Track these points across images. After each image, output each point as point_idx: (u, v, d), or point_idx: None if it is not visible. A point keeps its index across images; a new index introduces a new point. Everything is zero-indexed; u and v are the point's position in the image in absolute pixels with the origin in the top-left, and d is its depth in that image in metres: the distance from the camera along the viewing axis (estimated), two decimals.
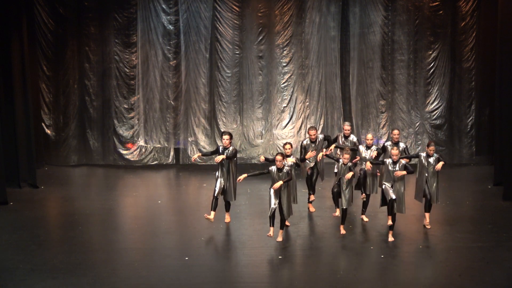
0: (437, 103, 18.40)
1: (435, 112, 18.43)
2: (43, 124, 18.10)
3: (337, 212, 12.50)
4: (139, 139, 18.27)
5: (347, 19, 18.13)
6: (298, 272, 10.60)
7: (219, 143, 18.39)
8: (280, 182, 11.32)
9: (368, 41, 18.13)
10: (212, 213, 12.28)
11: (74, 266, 10.61)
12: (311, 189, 13.29)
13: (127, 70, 18.28)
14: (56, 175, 17.32)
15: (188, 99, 18.23)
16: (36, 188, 15.76)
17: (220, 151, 12.46)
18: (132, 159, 18.48)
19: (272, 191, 11.51)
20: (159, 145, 18.40)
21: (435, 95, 18.39)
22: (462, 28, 18.12)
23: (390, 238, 11.62)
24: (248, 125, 18.51)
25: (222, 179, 12.41)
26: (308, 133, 13.13)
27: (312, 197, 13.32)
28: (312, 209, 13.35)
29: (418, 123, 18.46)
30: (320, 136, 13.17)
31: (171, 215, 13.78)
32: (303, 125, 18.45)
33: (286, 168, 11.49)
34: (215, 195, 12.35)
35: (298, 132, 18.46)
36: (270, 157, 13.50)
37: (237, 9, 18.08)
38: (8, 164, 15.11)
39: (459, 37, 18.20)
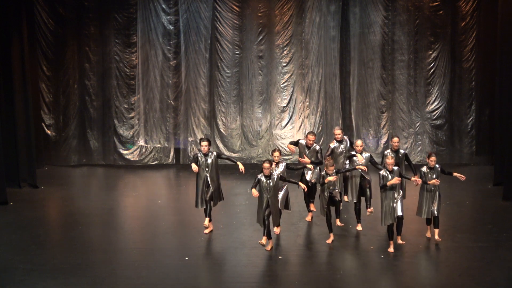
0: (438, 103, 18.40)
1: (436, 112, 18.43)
2: (43, 124, 18.11)
3: (331, 238, 11.69)
4: (140, 139, 18.27)
5: (347, 19, 18.13)
6: (298, 272, 10.60)
7: (218, 143, 18.43)
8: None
9: (368, 41, 18.13)
10: (207, 219, 12.05)
11: (74, 266, 10.61)
12: (310, 197, 12.99)
13: (127, 70, 18.29)
14: (56, 175, 17.33)
15: (188, 99, 18.23)
16: (36, 188, 15.76)
17: (200, 159, 11.94)
18: (132, 159, 18.49)
19: (259, 203, 11.17)
20: (159, 145, 18.40)
21: (436, 95, 18.40)
22: (462, 28, 18.13)
23: (400, 241, 11.30)
24: (248, 125, 18.52)
25: (208, 185, 11.93)
26: (306, 137, 12.74)
27: (309, 215, 13.00)
28: (312, 207, 13.08)
29: (418, 123, 18.45)
30: (317, 147, 12.66)
31: (171, 215, 13.78)
32: (302, 125, 18.45)
33: (276, 175, 11.12)
34: (204, 206, 12.01)
35: (297, 132, 18.45)
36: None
37: (237, 9, 18.08)
38: (8, 164, 15.12)
39: (459, 37, 18.20)
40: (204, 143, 11.92)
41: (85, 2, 17.96)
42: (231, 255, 11.24)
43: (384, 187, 11.19)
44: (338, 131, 12.92)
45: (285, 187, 11.79)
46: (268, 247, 11.28)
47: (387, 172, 11.24)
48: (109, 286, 9.88)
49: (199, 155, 12.05)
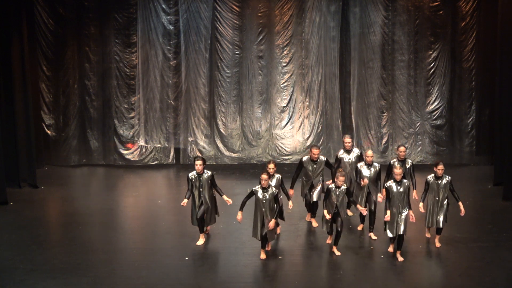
0: (438, 103, 18.40)
1: (436, 112, 18.43)
2: (43, 124, 18.10)
3: (329, 239, 11.53)
4: (140, 139, 18.27)
5: (347, 19, 18.12)
6: (298, 272, 10.60)
7: (218, 143, 18.42)
8: (273, 221, 10.82)
9: (369, 41, 18.12)
10: (201, 235, 11.84)
11: (74, 266, 10.62)
12: (311, 211, 12.78)
13: (127, 70, 18.28)
14: (56, 175, 17.32)
15: (188, 99, 18.22)
16: (36, 188, 15.76)
17: (193, 179, 11.65)
18: (132, 159, 18.49)
19: (256, 217, 10.97)
20: (159, 145, 18.40)
21: (436, 95, 18.39)
22: (462, 28, 18.13)
23: (400, 258, 10.95)
24: (248, 125, 18.51)
25: (202, 205, 11.61)
26: (310, 151, 12.46)
27: (308, 216, 12.82)
28: (315, 224, 12.82)
29: (418, 124, 18.45)
30: (323, 159, 12.40)
31: (171, 215, 13.78)
32: (302, 125, 18.45)
33: (272, 190, 10.94)
34: (198, 222, 11.67)
35: (297, 131, 18.46)
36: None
37: (237, 9, 18.08)
38: (8, 164, 15.12)
39: (459, 37, 18.20)
40: (199, 162, 11.57)
41: (85, 2, 17.95)
42: (231, 255, 11.25)
43: (389, 201, 10.99)
44: (347, 139, 12.65)
45: (279, 198, 11.63)
46: (268, 247, 11.27)
47: (395, 182, 11.00)
48: (109, 286, 9.89)
49: (190, 176, 11.68)
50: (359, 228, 12.46)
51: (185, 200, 11.64)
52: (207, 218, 11.79)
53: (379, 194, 11.96)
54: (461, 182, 16.34)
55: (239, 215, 11.12)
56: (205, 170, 11.71)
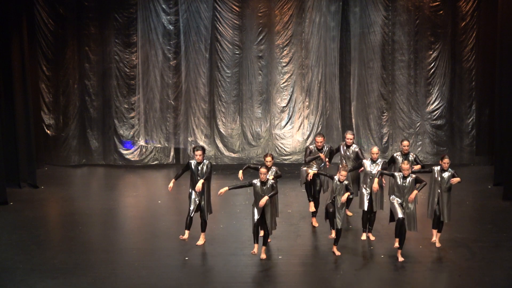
0: (438, 103, 18.41)
1: (436, 112, 18.44)
2: (43, 124, 18.10)
3: (333, 234, 11.27)
4: (140, 139, 18.27)
5: (347, 19, 18.13)
6: (298, 272, 10.61)
7: (218, 143, 18.43)
8: (266, 198, 10.71)
9: (369, 41, 18.13)
10: (187, 232, 11.48)
11: (74, 266, 10.62)
12: (311, 196, 12.57)
13: (127, 70, 18.28)
14: (56, 175, 17.33)
15: (188, 99, 18.23)
16: (36, 188, 15.76)
17: (193, 166, 11.49)
18: (132, 159, 18.49)
19: (255, 207, 10.90)
20: (159, 145, 18.41)
21: (436, 95, 18.40)
22: (462, 28, 18.13)
23: (400, 258, 10.89)
24: (248, 125, 18.51)
25: (196, 196, 11.48)
26: (315, 139, 12.57)
27: (312, 206, 12.58)
28: (315, 223, 12.75)
29: (418, 124, 18.46)
30: (326, 147, 12.52)
31: (171, 215, 13.78)
32: (302, 125, 18.46)
33: (270, 182, 10.88)
34: (190, 214, 11.48)
35: (297, 131, 18.46)
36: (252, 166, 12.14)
37: (237, 9, 18.08)
38: (8, 164, 15.11)
39: (459, 37, 18.21)
40: (198, 152, 11.45)
41: (85, 2, 17.95)
42: (231, 255, 11.24)
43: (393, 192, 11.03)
44: (350, 136, 12.60)
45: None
46: (260, 253, 11.17)
47: (402, 177, 10.96)
48: (109, 286, 9.89)
49: (192, 162, 11.58)
50: (363, 238, 12.10)
51: (171, 185, 11.53)
52: (203, 212, 11.55)
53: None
54: (461, 182, 16.28)
55: (223, 190, 10.99)
56: (204, 160, 11.61)
